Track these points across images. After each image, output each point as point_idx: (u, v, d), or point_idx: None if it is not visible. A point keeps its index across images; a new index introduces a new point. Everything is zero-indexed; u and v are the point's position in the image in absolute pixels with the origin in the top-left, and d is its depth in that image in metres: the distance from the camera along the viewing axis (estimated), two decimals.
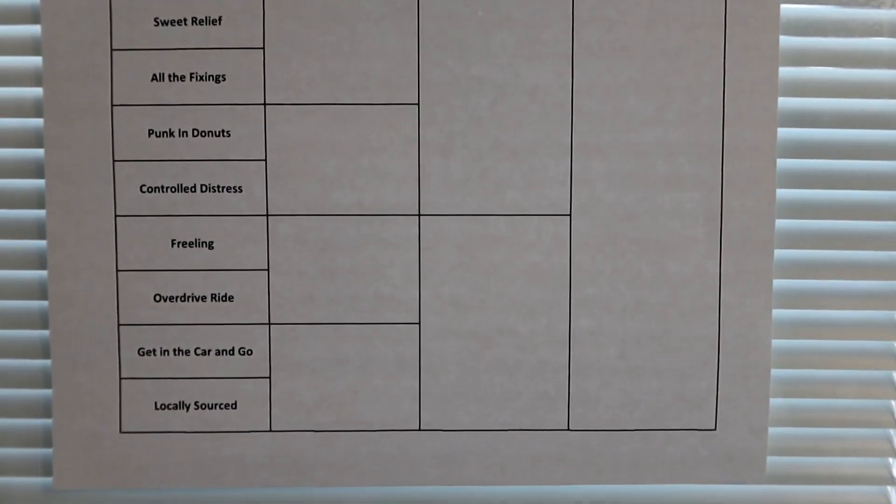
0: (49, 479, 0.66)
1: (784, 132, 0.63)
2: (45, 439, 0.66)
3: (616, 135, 0.61)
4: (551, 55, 0.61)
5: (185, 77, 0.61)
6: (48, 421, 0.65)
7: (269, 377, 0.63)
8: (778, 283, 0.64)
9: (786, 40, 0.63)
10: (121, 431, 0.63)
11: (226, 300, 0.62)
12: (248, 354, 0.63)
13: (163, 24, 0.61)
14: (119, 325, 0.63)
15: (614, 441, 0.63)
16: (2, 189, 0.64)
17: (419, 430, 0.63)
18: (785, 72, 0.63)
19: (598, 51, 0.61)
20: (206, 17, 0.61)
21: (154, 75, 0.61)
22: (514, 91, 0.61)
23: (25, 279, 0.65)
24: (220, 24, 0.61)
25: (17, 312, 0.65)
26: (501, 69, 0.61)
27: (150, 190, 0.62)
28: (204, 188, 0.62)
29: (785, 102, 0.63)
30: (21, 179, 0.64)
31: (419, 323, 0.63)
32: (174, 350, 0.63)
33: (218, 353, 0.63)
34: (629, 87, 0.61)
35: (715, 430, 0.63)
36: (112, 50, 0.61)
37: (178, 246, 0.62)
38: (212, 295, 0.62)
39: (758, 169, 0.61)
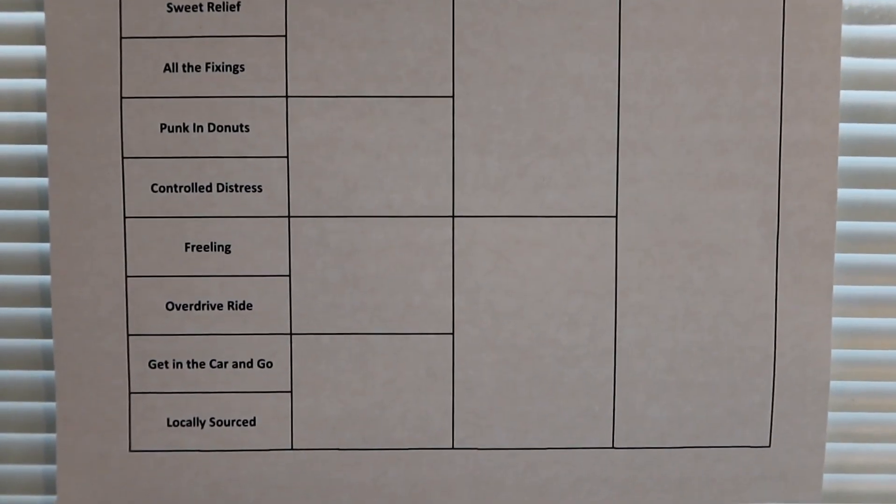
0: (51, 497, 0.64)
1: (846, 127, 0.61)
2: (47, 455, 0.64)
3: (665, 130, 0.59)
4: (596, 44, 0.58)
5: (200, 67, 0.58)
6: (49, 435, 0.63)
7: (291, 391, 0.61)
8: (838, 289, 0.62)
9: (848, 29, 0.61)
10: (130, 450, 0.61)
11: (244, 308, 0.60)
12: (268, 367, 0.61)
13: (176, 10, 0.58)
14: (128, 335, 0.60)
15: (662, 459, 0.61)
16: (1, 188, 0.62)
17: (452, 448, 0.61)
18: (847, 63, 0.61)
19: (647, 40, 0.58)
20: (223, 3, 0.58)
21: (167, 65, 0.58)
22: (556, 83, 0.58)
23: (25, 284, 0.63)
24: (238, 9, 0.58)
25: (17, 320, 0.63)
26: (542, 59, 0.58)
27: (161, 189, 0.59)
28: (220, 187, 0.59)
29: (847, 96, 0.61)
30: (22, 178, 0.62)
31: (452, 333, 0.60)
32: (188, 362, 0.60)
33: (235, 365, 0.61)
34: (680, 78, 0.58)
35: (769, 446, 0.61)
36: (121, 38, 0.58)
37: (193, 250, 0.60)
38: (228, 303, 0.60)
39: (818, 167, 0.59)
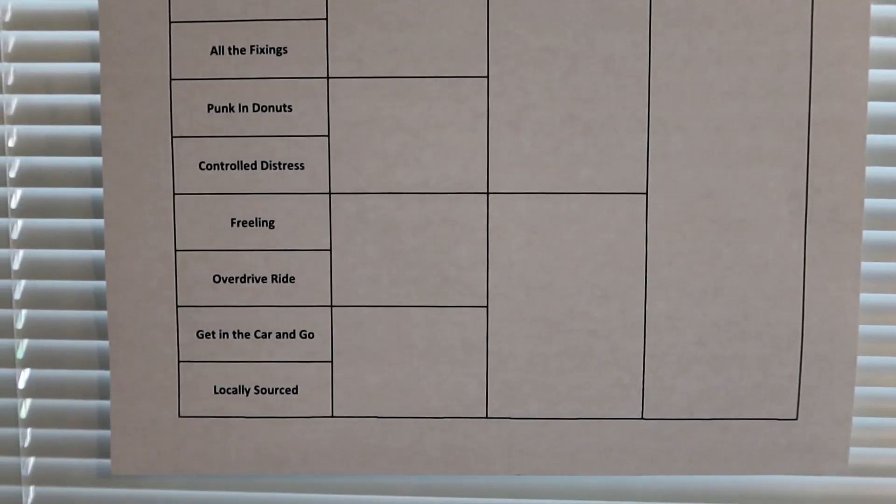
0: (104, 461, 0.65)
1: (874, 106, 0.60)
2: (101, 420, 0.65)
3: (695, 108, 0.59)
4: (627, 24, 0.58)
5: (245, 49, 0.59)
6: (103, 402, 0.65)
7: (332, 361, 0.61)
8: (866, 265, 0.61)
9: (877, 9, 0.60)
10: (179, 416, 0.62)
11: (287, 281, 0.61)
12: (310, 338, 0.61)
13: None
14: (177, 306, 0.61)
15: (690, 430, 0.61)
16: (57, 167, 0.63)
17: (486, 417, 0.62)
18: (876, 42, 0.60)
19: (677, 19, 0.58)
20: None
21: (214, 48, 0.59)
22: (588, 62, 0.58)
23: (80, 258, 0.64)
24: None
25: (73, 292, 0.64)
26: (575, 39, 0.58)
27: (209, 167, 0.60)
28: (265, 165, 0.60)
29: (876, 74, 0.60)
30: (77, 157, 0.63)
31: (487, 306, 0.60)
32: (234, 333, 0.61)
33: (279, 336, 0.61)
34: (710, 57, 0.58)
35: (796, 419, 0.61)
36: (170, 22, 0.59)
37: (238, 225, 0.61)
38: (272, 276, 0.61)
39: (846, 144, 0.58)
